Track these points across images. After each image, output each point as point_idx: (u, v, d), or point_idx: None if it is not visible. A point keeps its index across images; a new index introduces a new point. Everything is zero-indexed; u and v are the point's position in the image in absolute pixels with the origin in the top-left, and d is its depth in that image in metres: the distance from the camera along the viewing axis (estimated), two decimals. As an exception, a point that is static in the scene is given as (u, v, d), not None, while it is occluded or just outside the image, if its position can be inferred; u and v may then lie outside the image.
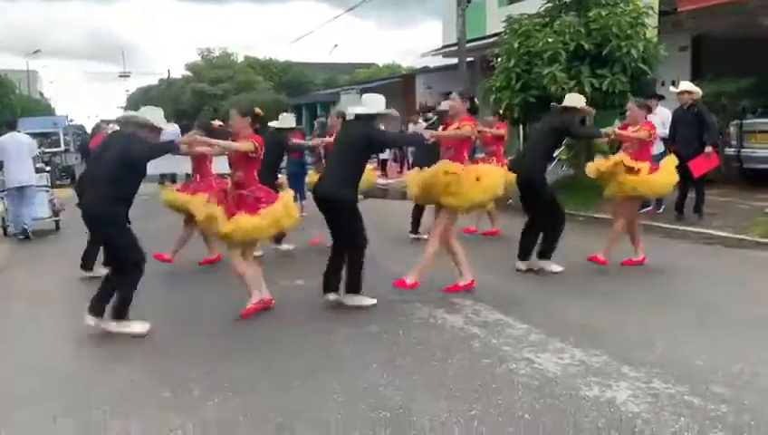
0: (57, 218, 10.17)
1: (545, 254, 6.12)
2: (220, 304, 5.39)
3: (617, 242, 6.23)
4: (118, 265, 4.81)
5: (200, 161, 6.85)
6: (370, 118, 5.22)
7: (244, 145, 5.01)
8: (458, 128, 5.46)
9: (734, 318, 4.65)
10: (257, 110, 5.30)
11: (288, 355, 4.20)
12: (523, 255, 6.19)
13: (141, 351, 4.46)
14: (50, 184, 10.71)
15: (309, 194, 9.89)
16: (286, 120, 7.70)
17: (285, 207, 5.05)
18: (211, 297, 5.78)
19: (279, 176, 8.11)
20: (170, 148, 4.97)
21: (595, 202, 8.74)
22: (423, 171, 5.47)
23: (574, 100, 6.17)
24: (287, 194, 5.23)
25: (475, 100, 5.84)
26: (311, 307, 5.25)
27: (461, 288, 5.48)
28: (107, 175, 4.74)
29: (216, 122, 9.73)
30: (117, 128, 6.08)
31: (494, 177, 5.53)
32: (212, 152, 5.63)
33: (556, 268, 6.05)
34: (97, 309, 4.72)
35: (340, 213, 5.08)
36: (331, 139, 7.60)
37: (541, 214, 6.09)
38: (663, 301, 5.13)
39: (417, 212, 7.98)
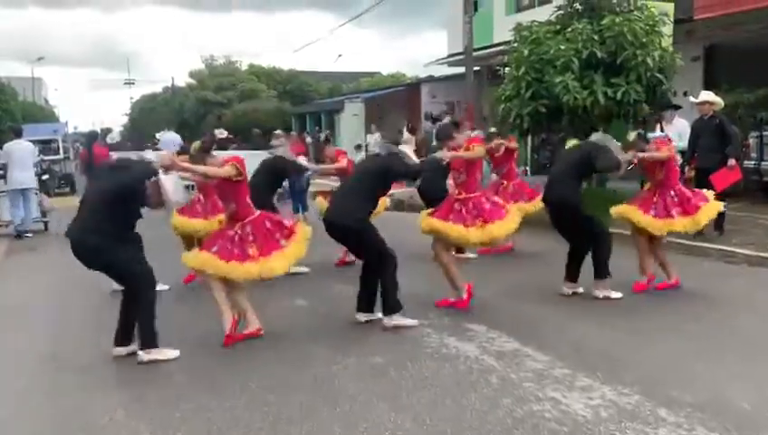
0: (45, 220, 10.96)
1: (599, 275, 5.56)
2: (210, 330, 4.98)
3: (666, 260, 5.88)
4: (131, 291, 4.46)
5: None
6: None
7: (224, 170, 4.60)
8: (468, 149, 5.23)
9: (775, 350, 4.23)
10: (216, 132, 4.96)
11: (283, 390, 3.78)
12: (570, 277, 5.70)
13: (122, 381, 4.08)
14: (38, 188, 11.24)
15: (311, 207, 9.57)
16: (285, 151, 7.26)
17: (299, 245, 4.71)
18: (201, 321, 5.31)
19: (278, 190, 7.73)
20: (150, 173, 4.51)
21: (609, 217, 8.35)
22: (434, 221, 5.26)
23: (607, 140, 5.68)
24: (303, 229, 4.82)
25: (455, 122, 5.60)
26: (311, 332, 4.86)
27: (450, 304, 5.30)
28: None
29: (221, 132, 9.41)
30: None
31: (504, 226, 5.27)
32: (196, 179, 5.21)
33: (615, 294, 5.50)
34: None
35: (350, 240, 4.92)
36: (333, 166, 7.20)
37: (577, 237, 5.61)
38: (694, 329, 4.71)
39: None
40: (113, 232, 4.23)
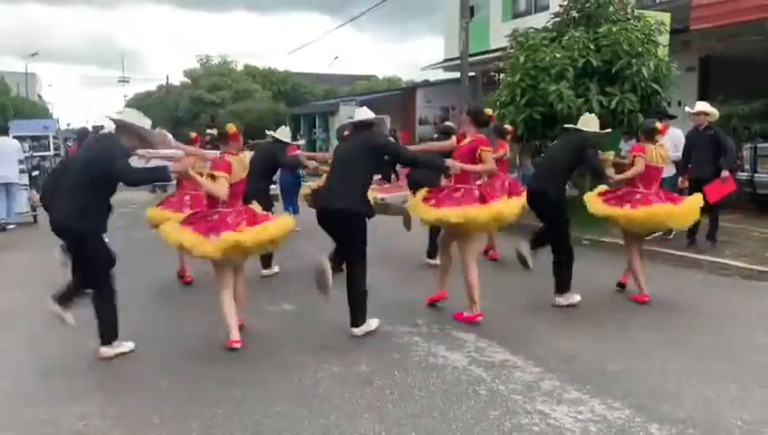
0: (35, 213, 11.48)
1: (559, 290, 5.52)
2: (192, 333, 4.88)
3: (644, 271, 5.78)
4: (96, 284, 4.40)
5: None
6: (369, 126, 4.88)
7: (220, 190, 4.53)
8: (473, 146, 5.08)
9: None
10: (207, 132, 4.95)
11: (266, 398, 3.69)
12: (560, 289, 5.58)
13: (103, 385, 3.96)
14: (28, 183, 11.87)
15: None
16: (283, 134, 7.27)
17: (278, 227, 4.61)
18: (182, 324, 5.23)
19: (272, 187, 7.66)
20: (162, 177, 4.52)
21: (601, 224, 8.29)
22: (430, 208, 5.03)
23: (590, 123, 5.66)
24: (285, 219, 4.75)
25: (484, 111, 5.39)
26: (297, 338, 4.76)
27: (465, 318, 5.12)
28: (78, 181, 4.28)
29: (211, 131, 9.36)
30: None
31: (506, 208, 5.13)
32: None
33: (575, 298, 5.48)
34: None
35: (355, 228, 4.70)
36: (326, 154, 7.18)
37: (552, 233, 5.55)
38: (686, 342, 4.64)
39: (434, 236, 7.51)
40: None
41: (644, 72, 9.12)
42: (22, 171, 11.48)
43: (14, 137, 13.34)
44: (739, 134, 10.25)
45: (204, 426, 3.36)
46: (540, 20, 10.72)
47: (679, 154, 8.08)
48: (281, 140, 7.04)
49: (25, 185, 11.58)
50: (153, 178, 4.61)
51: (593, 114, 6.14)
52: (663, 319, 5.21)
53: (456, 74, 17.16)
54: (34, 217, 11.52)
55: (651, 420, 3.32)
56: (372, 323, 4.80)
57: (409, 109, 23.19)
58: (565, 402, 3.56)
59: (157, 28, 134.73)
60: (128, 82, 57.79)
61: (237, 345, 4.47)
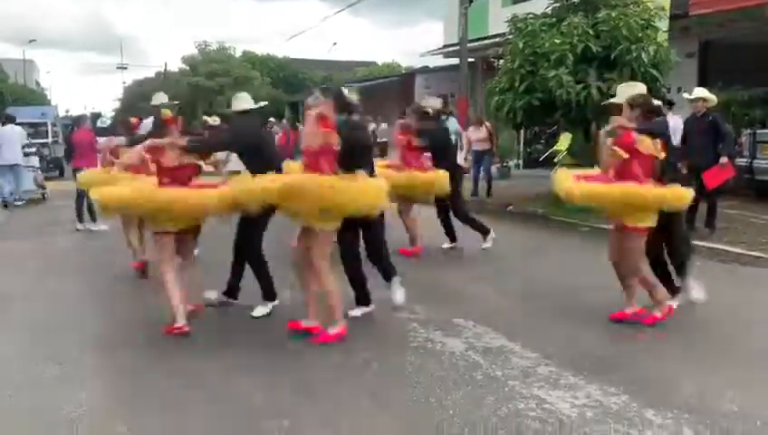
0: (43, 191, 13.18)
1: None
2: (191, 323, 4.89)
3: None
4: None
5: None
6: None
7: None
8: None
9: (765, 353, 4.18)
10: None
11: (262, 386, 3.70)
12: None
13: (101, 374, 3.97)
14: (36, 165, 13.59)
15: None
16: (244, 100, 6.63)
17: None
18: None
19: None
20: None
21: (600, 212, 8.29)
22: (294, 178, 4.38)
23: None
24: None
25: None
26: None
27: (304, 329, 4.51)
28: None
29: (214, 120, 9.42)
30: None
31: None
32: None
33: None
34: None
35: None
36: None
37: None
38: (682, 329, 4.65)
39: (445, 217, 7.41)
40: None
41: (643, 58, 9.11)
42: (27, 154, 12.89)
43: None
44: (738, 120, 10.25)
45: (203, 412, 3.38)
46: (539, 5, 10.65)
47: (678, 140, 8.07)
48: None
49: (31, 166, 13.12)
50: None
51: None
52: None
53: (456, 61, 17.09)
54: (43, 194, 13.16)
55: (647, 406, 3.34)
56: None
57: (408, 95, 23.07)
58: (561, 388, 3.58)
59: (155, 14, 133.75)
60: (126, 68, 57.48)
61: (186, 329, 4.43)
